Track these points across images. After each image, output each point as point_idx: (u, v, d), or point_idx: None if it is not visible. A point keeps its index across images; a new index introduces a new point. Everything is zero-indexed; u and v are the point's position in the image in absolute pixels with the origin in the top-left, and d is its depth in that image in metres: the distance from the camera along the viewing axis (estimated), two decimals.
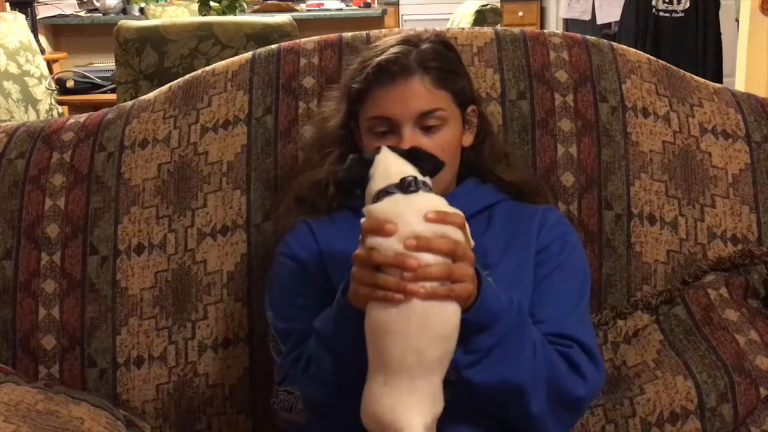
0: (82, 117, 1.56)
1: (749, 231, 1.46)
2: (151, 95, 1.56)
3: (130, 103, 1.57)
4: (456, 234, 1.01)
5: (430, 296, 0.98)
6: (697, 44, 4.74)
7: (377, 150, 1.10)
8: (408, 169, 1.06)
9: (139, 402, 1.43)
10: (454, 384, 1.08)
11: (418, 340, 0.99)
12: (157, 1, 5.49)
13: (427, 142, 1.21)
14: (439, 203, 1.05)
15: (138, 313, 1.43)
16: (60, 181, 1.48)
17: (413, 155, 1.09)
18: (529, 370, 1.10)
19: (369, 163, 1.09)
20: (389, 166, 1.07)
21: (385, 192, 1.04)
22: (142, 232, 1.45)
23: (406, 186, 1.03)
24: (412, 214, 1.01)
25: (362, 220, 1.04)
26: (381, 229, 1.00)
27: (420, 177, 1.05)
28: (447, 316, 1.00)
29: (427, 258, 0.99)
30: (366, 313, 1.02)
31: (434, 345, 1.00)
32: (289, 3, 5.54)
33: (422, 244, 0.98)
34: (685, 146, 1.48)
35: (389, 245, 0.99)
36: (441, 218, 1.01)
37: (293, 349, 1.21)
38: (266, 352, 1.30)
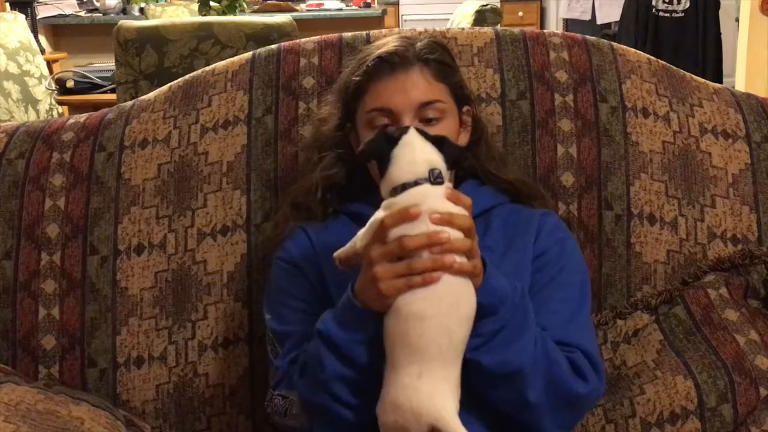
0: (82, 117, 1.56)
1: (749, 231, 1.46)
2: (151, 95, 1.56)
3: (130, 103, 1.57)
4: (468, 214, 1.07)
5: (460, 271, 1.02)
6: (697, 44, 4.75)
7: (405, 129, 1.11)
8: (433, 157, 1.08)
9: (139, 402, 1.43)
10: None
11: (450, 320, 1.02)
12: (157, 1, 5.49)
13: None
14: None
15: (138, 313, 1.43)
16: (60, 181, 1.48)
17: (438, 142, 1.10)
18: (530, 355, 1.11)
19: (393, 141, 1.09)
20: (415, 151, 1.08)
21: (414, 184, 1.06)
22: (142, 232, 1.45)
23: (434, 177, 1.06)
24: (434, 198, 1.05)
25: (379, 213, 1.06)
26: (406, 215, 1.02)
27: (444, 170, 1.08)
28: (470, 294, 1.04)
29: (451, 232, 1.03)
30: (393, 311, 1.03)
31: (462, 325, 1.04)
32: (289, 3, 5.54)
33: (446, 219, 1.03)
34: (685, 146, 1.48)
35: (419, 228, 1.02)
36: (456, 197, 1.06)
37: (290, 352, 1.21)
38: (266, 353, 1.30)
